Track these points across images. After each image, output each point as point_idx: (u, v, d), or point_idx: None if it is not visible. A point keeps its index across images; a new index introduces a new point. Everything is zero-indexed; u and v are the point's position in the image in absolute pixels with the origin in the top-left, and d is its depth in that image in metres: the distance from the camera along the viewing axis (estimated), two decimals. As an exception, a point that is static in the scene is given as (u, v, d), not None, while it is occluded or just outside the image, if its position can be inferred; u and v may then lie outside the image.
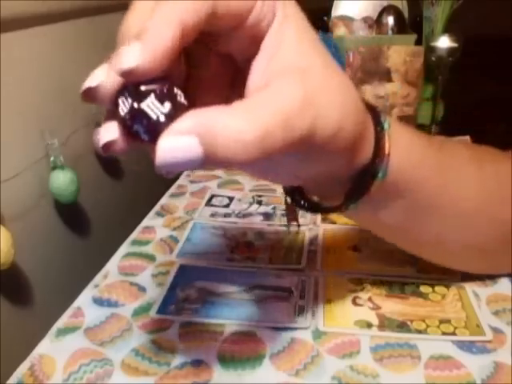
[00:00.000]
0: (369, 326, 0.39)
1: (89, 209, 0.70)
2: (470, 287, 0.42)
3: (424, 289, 0.42)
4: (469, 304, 0.40)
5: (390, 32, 0.87)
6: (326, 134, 0.22)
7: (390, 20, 0.88)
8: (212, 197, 0.62)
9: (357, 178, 0.28)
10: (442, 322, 0.39)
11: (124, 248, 0.51)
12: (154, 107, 0.19)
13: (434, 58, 0.83)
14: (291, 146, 0.21)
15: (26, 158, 0.56)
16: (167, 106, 0.19)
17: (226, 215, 0.57)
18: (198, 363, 0.36)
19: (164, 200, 0.62)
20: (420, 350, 0.36)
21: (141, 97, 0.19)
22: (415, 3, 0.90)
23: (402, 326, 0.38)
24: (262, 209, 0.58)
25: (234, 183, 0.66)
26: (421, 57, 0.79)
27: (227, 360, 0.36)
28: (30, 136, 0.57)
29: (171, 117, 0.19)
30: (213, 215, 0.57)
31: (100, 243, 0.65)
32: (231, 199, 0.61)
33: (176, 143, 0.18)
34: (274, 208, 0.58)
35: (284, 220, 0.55)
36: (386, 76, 0.79)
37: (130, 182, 0.83)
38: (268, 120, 0.19)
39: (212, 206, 0.60)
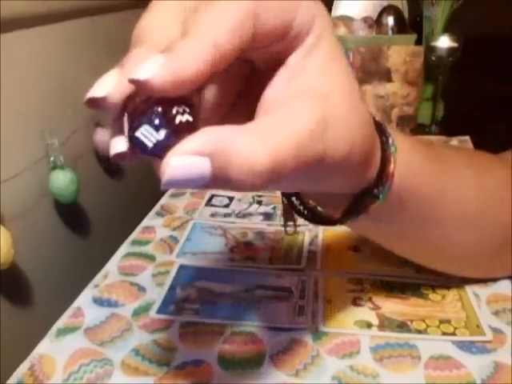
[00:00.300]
0: (369, 326, 0.39)
1: (89, 209, 0.70)
2: (469, 287, 0.42)
3: (424, 289, 0.42)
4: (469, 304, 0.40)
5: (390, 32, 0.87)
6: (336, 156, 0.22)
7: (390, 20, 0.88)
8: (212, 197, 0.62)
9: (357, 197, 0.28)
10: (442, 322, 0.39)
11: (124, 248, 0.51)
12: (148, 134, 0.18)
13: (434, 58, 0.83)
14: (301, 168, 0.20)
15: (25, 158, 0.56)
16: (162, 133, 0.18)
17: (226, 215, 0.57)
18: (198, 363, 0.36)
19: (164, 200, 0.62)
20: (420, 350, 0.36)
21: (135, 124, 0.19)
22: (415, 3, 0.90)
23: (402, 326, 0.38)
24: (262, 209, 0.58)
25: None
26: (421, 57, 0.79)
27: (227, 360, 0.36)
28: (30, 136, 0.57)
29: (169, 140, 0.18)
30: (213, 215, 0.57)
31: (100, 243, 0.65)
32: (231, 199, 0.61)
33: (185, 162, 0.17)
34: (274, 208, 0.58)
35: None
36: (386, 76, 0.79)
37: (130, 182, 0.83)
38: (281, 145, 0.19)
39: (212, 205, 0.60)
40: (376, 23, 0.88)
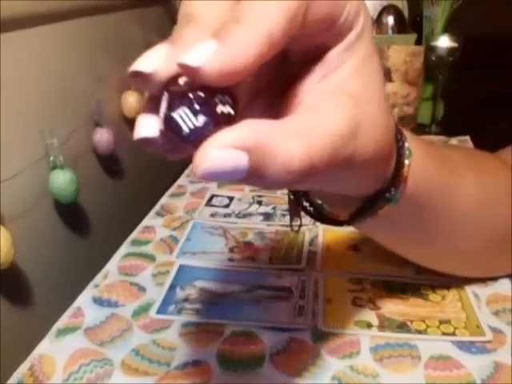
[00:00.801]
0: (369, 326, 0.39)
1: (89, 209, 0.70)
2: (469, 287, 0.42)
3: (424, 289, 0.42)
4: (469, 304, 0.40)
5: (389, 31, 0.87)
6: (364, 156, 0.22)
7: (390, 19, 0.88)
8: (212, 197, 0.62)
9: (369, 199, 0.28)
10: (441, 322, 0.39)
11: (124, 248, 0.51)
12: (186, 118, 0.18)
13: (434, 58, 0.83)
14: (331, 168, 0.20)
15: (25, 158, 0.56)
16: (201, 119, 0.18)
17: (226, 215, 0.57)
18: (198, 363, 0.36)
19: (164, 200, 0.62)
20: (420, 350, 0.36)
21: (175, 104, 0.18)
22: (415, 3, 0.90)
23: (402, 327, 0.38)
24: (262, 209, 0.58)
25: (234, 183, 0.66)
26: (421, 56, 0.79)
27: (227, 360, 0.36)
28: (29, 136, 0.57)
29: (206, 129, 0.18)
30: (213, 215, 0.57)
31: (100, 243, 0.65)
32: (231, 199, 0.61)
33: (223, 155, 0.17)
34: (274, 208, 0.58)
35: (284, 220, 0.55)
36: (386, 76, 0.79)
37: (130, 182, 0.83)
38: (318, 143, 0.19)
39: (212, 206, 0.60)
40: (376, 23, 0.88)
